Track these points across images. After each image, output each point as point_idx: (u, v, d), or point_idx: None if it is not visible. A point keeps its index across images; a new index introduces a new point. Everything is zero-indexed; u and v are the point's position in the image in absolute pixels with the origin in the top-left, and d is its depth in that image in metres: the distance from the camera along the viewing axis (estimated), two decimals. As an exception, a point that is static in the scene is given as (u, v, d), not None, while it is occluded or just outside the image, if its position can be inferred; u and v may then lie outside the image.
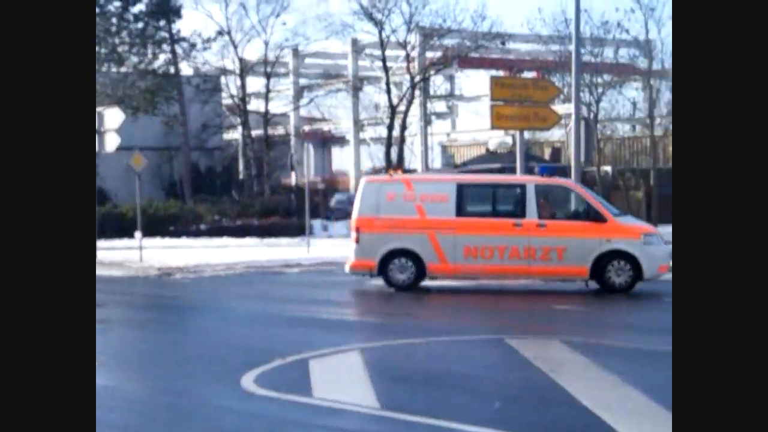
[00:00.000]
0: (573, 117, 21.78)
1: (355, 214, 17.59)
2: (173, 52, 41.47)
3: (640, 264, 16.80)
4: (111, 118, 23.38)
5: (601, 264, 16.88)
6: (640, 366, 10.06)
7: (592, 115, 38.09)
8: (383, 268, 17.38)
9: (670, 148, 47.23)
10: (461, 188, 17.42)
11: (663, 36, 40.53)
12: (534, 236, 16.91)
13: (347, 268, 18.00)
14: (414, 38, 45.10)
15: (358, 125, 48.35)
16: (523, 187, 17.36)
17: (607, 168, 42.43)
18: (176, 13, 41.56)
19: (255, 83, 46.37)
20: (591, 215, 17.08)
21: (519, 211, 17.13)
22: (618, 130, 47.46)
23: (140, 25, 41.11)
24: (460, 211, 17.21)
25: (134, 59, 41.08)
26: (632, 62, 41.77)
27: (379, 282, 17.80)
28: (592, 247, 16.88)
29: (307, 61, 48.44)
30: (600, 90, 40.07)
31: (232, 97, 44.24)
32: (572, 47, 22.49)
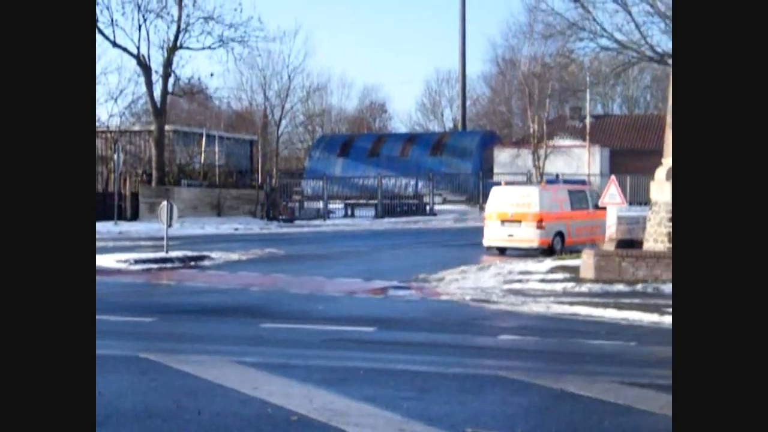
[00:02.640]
0: None
1: (536, 210, 26.24)
2: None
3: None
4: None
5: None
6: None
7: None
8: (552, 242, 26.42)
9: None
10: (570, 193, 27.77)
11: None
12: (596, 218, 26.47)
13: (535, 243, 26.17)
14: None
15: None
16: (584, 191, 28.82)
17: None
18: None
19: None
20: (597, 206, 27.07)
21: (587, 205, 27.84)
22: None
23: None
24: (573, 206, 27.32)
25: None
26: None
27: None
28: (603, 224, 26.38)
29: None
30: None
31: None
32: None
